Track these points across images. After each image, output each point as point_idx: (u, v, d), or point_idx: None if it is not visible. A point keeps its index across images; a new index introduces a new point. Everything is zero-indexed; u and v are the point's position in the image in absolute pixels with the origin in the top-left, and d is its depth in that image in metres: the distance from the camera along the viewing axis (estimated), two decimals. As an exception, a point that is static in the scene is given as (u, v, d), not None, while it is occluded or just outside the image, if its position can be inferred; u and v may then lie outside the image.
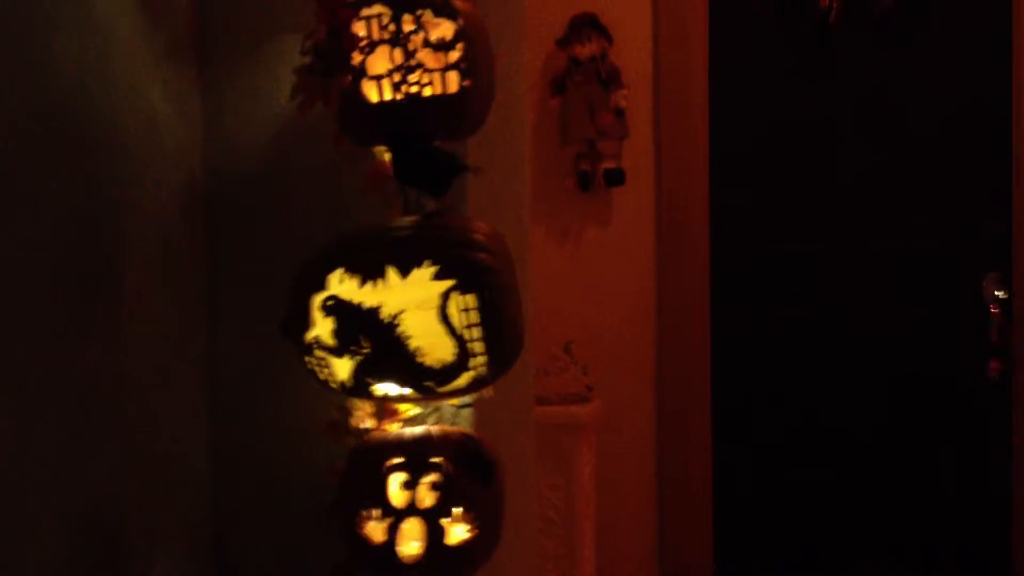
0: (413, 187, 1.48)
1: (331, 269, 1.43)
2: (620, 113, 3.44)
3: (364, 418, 1.56)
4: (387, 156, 1.54)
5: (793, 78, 3.49)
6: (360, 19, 1.43)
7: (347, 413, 1.57)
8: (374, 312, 1.41)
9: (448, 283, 1.40)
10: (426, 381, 1.42)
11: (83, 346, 1.48)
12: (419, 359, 1.41)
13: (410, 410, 1.56)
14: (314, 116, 1.74)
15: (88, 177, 1.50)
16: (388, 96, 1.44)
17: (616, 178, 3.45)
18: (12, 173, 1.33)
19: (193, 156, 1.77)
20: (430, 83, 1.43)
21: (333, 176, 1.75)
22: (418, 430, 1.50)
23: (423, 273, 1.40)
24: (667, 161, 3.49)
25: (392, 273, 1.40)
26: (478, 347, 1.40)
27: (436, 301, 1.40)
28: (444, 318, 1.40)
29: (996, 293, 3.26)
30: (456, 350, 1.40)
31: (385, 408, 1.56)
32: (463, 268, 1.40)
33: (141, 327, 1.61)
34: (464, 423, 1.65)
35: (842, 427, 3.48)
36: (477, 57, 1.46)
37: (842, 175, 3.46)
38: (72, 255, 1.46)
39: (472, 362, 1.41)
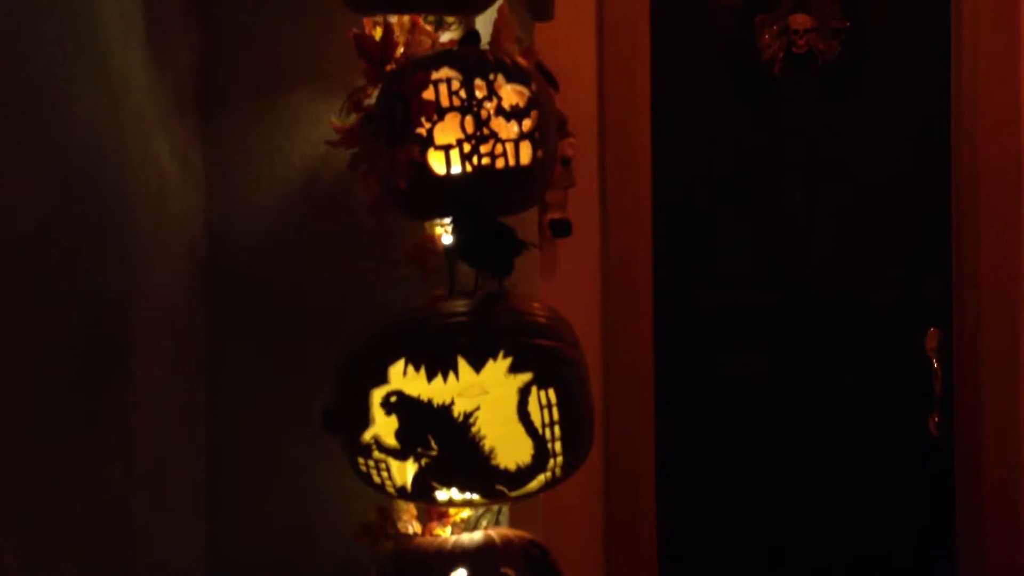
0: (478, 267, 1.34)
1: (391, 360, 1.27)
2: (566, 162, 3.34)
3: (410, 521, 1.40)
4: (438, 230, 1.41)
5: (738, 128, 3.47)
6: (428, 79, 1.29)
7: (389, 515, 1.40)
8: (446, 410, 1.26)
9: (526, 376, 1.26)
10: (498, 484, 1.28)
11: (93, 440, 1.28)
12: (494, 461, 1.27)
13: (461, 512, 1.41)
14: (331, 177, 1.60)
15: (100, 252, 1.31)
16: (456, 168, 1.30)
17: (562, 229, 3.35)
18: (32, 249, 1.14)
19: (196, 218, 1.59)
20: (503, 154, 1.30)
21: (351, 244, 1.59)
22: (478, 536, 1.35)
23: (497, 366, 1.26)
24: (613, 211, 3.41)
25: (463, 366, 1.26)
26: (558, 447, 1.27)
27: (514, 397, 1.26)
28: (523, 415, 1.26)
29: (937, 349, 3.29)
30: (534, 450, 1.27)
31: (432, 509, 1.41)
32: (540, 359, 1.28)
33: (147, 416, 1.42)
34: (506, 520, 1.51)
35: (784, 483, 3.45)
36: (548, 124, 1.34)
37: (787, 226, 3.44)
38: (81, 338, 1.26)
39: (550, 463, 1.28)
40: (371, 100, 1.39)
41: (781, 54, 3.39)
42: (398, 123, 1.26)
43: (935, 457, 3.36)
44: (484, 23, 1.46)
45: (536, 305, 1.34)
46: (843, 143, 3.41)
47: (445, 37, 1.47)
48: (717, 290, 3.48)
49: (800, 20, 3.36)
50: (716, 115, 3.47)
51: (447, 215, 1.35)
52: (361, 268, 1.57)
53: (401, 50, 1.40)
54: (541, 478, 1.29)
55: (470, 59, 1.31)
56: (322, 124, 1.57)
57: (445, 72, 1.30)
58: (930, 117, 3.38)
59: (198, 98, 1.58)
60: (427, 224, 1.42)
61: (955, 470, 3.35)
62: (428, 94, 1.28)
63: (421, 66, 1.30)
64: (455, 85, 1.29)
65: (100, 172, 1.30)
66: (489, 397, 1.26)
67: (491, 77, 1.30)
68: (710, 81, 3.47)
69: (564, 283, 3.38)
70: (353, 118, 1.40)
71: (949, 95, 3.35)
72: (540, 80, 1.35)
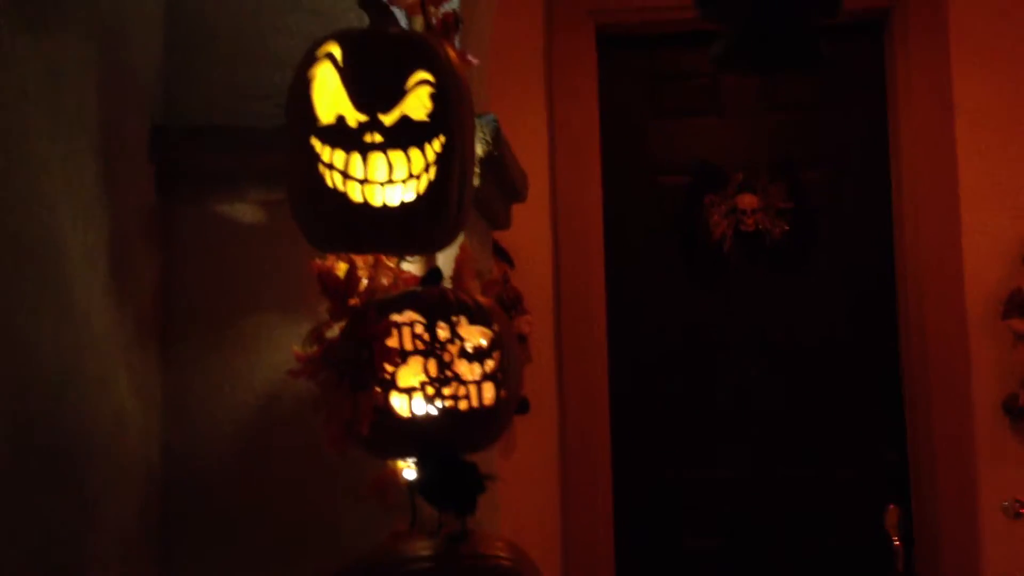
0: (441, 507, 1.33)
1: (353, 608, 1.25)
2: (523, 339, 3.38)
3: None
4: (401, 464, 1.40)
5: (691, 303, 3.53)
6: (392, 324, 1.30)
7: None
8: (410, 663, 1.23)
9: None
10: None
11: None
12: None
13: None
14: (292, 401, 1.59)
15: (56, 488, 1.29)
16: (420, 410, 1.30)
17: (520, 406, 3.35)
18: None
19: (154, 444, 1.57)
20: (466, 396, 1.31)
21: (313, 472, 1.57)
22: None
23: (462, 614, 1.24)
24: (570, 388, 3.43)
25: (427, 617, 1.24)
26: None
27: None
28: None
29: (897, 525, 3.29)
30: None
31: None
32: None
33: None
34: None
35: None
36: (511, 363, 1.35)
37: (742, 400, 3.47)
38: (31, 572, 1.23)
39: None
40: (333, 332, 1.40)
41: (730, 232, 3.48)
42: (362, 368, 1.27)
43: (899, 637, 3.32)
44: (446, 257, 1.49)
45: (499, 544, 1.33)
46: (793, 318, 3.48)
47: (407, 266, 1.50)
48: (675, 467, 3.48)
49: (747, 200, 3.46)
50: (669, 291, 3.54)
51: (410, 455, 1.34)
52: (323, 497, 1.55)
53: (365, 283, 1.42)
54: None
55: (433, 301, 1.33)
56: (283, 348, 1.58)
57: (408, 315, 1.31)
58: (876, 290, 3.47)
59: (159, 323, 1.58)
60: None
61: (919, 652, 3.32)
62: (392, 340, 1.29)
63: (384, 309, 1.31)
64: (418, 328, 1.30)
65: (58, 411, 1.29)
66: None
67: (454, 319, 1.31)
68: (662, 257, 3.54)
69: (523, 460, 3.36)
70: (315, 348, 1.40)
71: (893, 268, 3.45)
72: (502, 317, 1.37)
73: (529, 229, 3.44)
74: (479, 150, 1.56)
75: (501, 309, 1.40)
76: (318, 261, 1.43)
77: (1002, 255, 3.32)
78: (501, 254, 3.41)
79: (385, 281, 1.43)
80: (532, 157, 3.45)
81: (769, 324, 3.48)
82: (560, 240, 3.48)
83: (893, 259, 3.46)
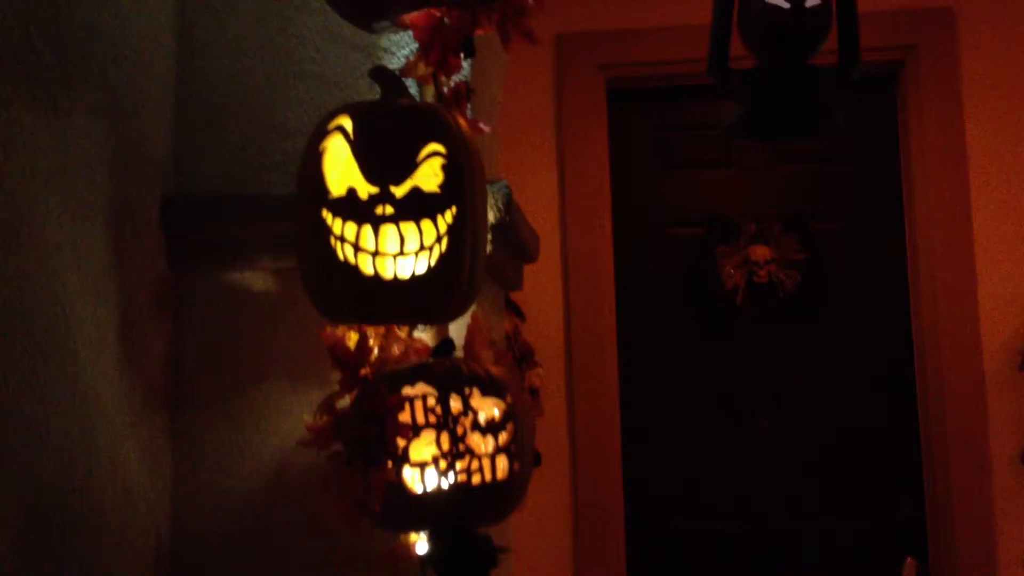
0: (452, 582, 1.31)
1: None
2: (534, 392, 3.36)
3: None
4: (413, 536, 1.38)
5: (703, 356, 3.50)
6: (404, 399, 1.29)
7: None
8: None
9: None
10: None
11: None
12: None
13: None
14: (301, 471, 1.58)
15: (66, 566, 1.27)
16: (432, 485, 1.28)
17: (533, 454, 3.32)
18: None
19: (163, 516, 1.55)
20: (479, 470, 1.29)
21: (322, 543, 1.55)
22: None
23: None
24: (582, 440, 3.40)
25: None
26: None
27: None
28: None
29: (915, 580, 3.24)
30: None
31: None
32: None
33: None
34: None
35: None
36: (524, 435, 1.34)
37: (757, 455, 3.43)
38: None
39: None
40: (344, 402, 1.39)
41: (743, 284, 3.46)
42: (373, 445, 1.25)
43: None
44: (458, 325, 1.48)
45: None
46: (807, 369, 3.45)
47: (419, 333, 1.49)
48: (690, 520, 3.44)
49: (760, 252, 3.44)
50: (681, 342, 3.51)
51: (422, 529, 1.32)
52: (333, 570, 1.53)
53: (375, 353, 1.41)
54: None
55: (445, 373, 1.32)
56: (293, 416, 1.57)
57: (421, 388, 1.30)
58: (890, 341, 3.44)
59: (169, 392, 1.57)
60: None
61: None
62: (404, 415, 1.27)
63: (396, 382, 1.30)
64: (431, 402, 1.29)
65: (67, 488, 1.28)
66: None
67: (466, 391, 1.30)
68: (674, 309, 3.53)
69: (535, 513, 3.33)
70: (326, 419, 1.39)
71: (908, 318, 3.42)
72: (515, 387, 1.35)
73: (540, 282, 3.44)
74: (491, 217, 1.55)
75: (515, 373, 1.39)
76: (329, 330, 1.42)
77: (1018, 305, 3.29)
78: (512, 307, 3.40)
79: (396, 350, 1.42)
80: (543, 210, 3.46)
81: (783, 376, 3.45)
82: (571, 292, 3.47)
83: (908, 310, 3.44)
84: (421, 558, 1.36)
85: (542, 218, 3.41)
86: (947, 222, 3.31)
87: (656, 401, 3.50)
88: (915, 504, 3.35)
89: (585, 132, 3.50)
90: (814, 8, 1.47)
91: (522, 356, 3.38)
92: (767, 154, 3.52)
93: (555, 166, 3.51)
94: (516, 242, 1.71)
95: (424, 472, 1.28)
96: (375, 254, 1.28)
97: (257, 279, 1.58)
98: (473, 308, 1.44)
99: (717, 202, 3.53)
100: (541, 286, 3.44)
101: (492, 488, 1.30)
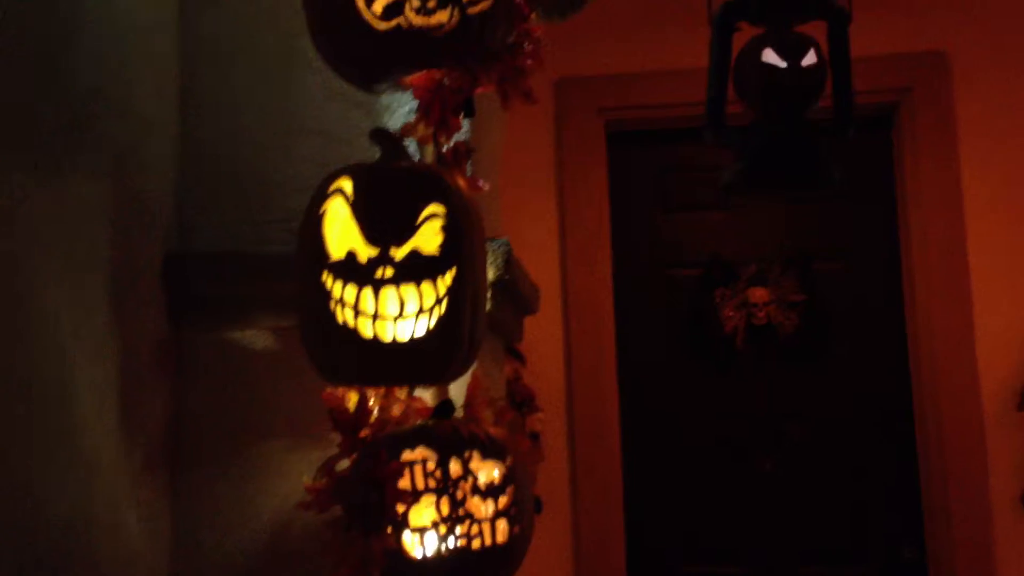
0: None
1: None
2: (535, 437, 3.35)
3: None
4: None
5: (704, 399, 3.50)
6: (404, 465, 1.28)
7: None
8: None
9: None
10: None
11: None
12: None
13: None
14: (300, 530, 1.57)
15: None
16: (432, 550, 1.28)
17: (534, 507, 3.30)
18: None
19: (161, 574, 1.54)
20: (479, 535, 1.29)
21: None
22: None
23: None
24: (583, 486, 3.39)
25: None
26: None
27: None
28: None
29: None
30: None
31: None
32: None
33: None
34: None
35: None
36: (524, 497, 1.33)
37: (759, 497, 3.42)
38: None
39: None
40: (344, 464, 1.38)
41: (742, 325, 3.46)
42: (372, 512, 1.25)
43: None
44: (458, 385, 1.48)
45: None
46: (807, 411, 3.44)
47: (419, 392, 1.48)
48: (693, 563, 3.42)
49: (759, 293, 3.45)
50: (681, 385, 3.51)
51: (423, 596, 1.31)
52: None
53: (375, 414, 1.41)
54: None
55: (444, 436, 1.31)
56: (292, 476, 1.56)
57: (420, 452, 1.29)
58: (889, 383, 3.44)
59: (169, 451, 1.57)
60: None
61: None
62: (403, 481, 1.27)
63: (396, 446, 1.29)
64: (430, 466, 1.29)
65: (67, 554, 1.27)
66: None
67: (466, 455, 1.30)
68: (674, 351, 3.52)
69: (536, 560, 3.30)
70: (325, 481, 1.39)
71: (907, 359, 3.42)
72: (516, 448, 1.35)
73: (541, 326, 3.43)
74: (491, 274, 1.56)
75: (517, 424, 1.38)
76: (330, 390, 1.42)
77: (1016, 345, 3.29)
78: (512, 352, 3.40)
79: (396, 411, 1.42)
80: (543, 252, 3.47)
81: (782, 418, 3.45)
82: (572, 336, 3.47)
83: (906, 351, 3.43)
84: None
85: (542, 260, 3.42)
86: (944, 262, 3.32)
87: (657, 444, 3.49)
88: (918, 548, 3.33)
89: (584, 174, 3.51)
90: (810, 67, 1.48)
91: (522, 401, 3.37)
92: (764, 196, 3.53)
93: (555, 208, 3.52)
94: (517, 297, 1.71)
95: (424, 537, 1.28)
96: (375, 317, 1.28)
97: (259, 338, 1.59)
98: (474, 366, 1.44)
99: (716, 243, 3.54)
100: (542, 329, 3.43)
101: (492, 552, 1.29)
